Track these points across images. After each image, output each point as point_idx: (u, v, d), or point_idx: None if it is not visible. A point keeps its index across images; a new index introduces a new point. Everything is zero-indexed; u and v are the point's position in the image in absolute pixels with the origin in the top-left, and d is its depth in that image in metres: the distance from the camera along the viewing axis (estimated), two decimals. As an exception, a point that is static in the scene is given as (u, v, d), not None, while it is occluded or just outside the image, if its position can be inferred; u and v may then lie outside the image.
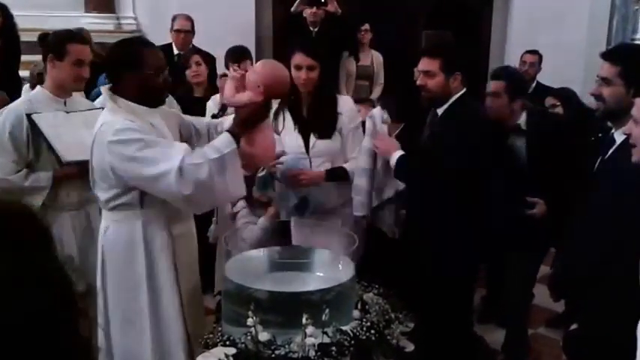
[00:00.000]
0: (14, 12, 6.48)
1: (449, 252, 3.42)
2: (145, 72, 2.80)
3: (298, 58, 3.65)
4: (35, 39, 6.61)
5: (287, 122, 3.76)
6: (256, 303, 2.60)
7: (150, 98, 2.86)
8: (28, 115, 3.29)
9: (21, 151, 3.32)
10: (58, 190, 3.38)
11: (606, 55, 2.76)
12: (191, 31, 5.90)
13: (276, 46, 7.28)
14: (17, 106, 3.41)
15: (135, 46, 2.93)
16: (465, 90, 3.48)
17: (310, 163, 3.71)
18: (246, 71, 3.05)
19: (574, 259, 2.71)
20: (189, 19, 5.90)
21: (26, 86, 5.46)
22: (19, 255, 0.92)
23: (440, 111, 3.49)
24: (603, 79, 2.70)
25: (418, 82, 3.45)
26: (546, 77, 6.25)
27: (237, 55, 4.90)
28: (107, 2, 7.59)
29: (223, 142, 2.72)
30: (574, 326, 2.51)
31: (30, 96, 3.52)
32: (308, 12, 6.46)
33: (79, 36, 3.58)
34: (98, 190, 2.88)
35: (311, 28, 6.51)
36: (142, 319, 2.88)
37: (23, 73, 6.53)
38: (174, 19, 5.90)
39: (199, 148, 2.80)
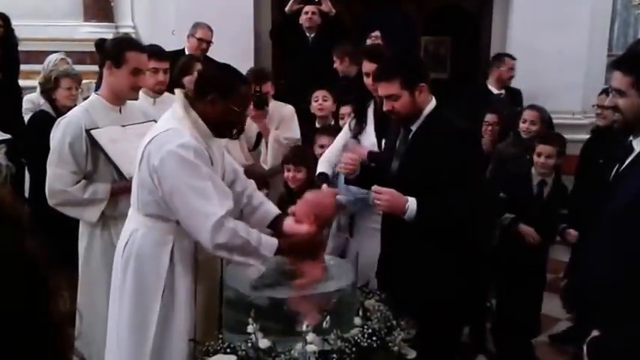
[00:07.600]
0: (13, 21, 6.50)
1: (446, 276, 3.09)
2: (233, 104, 2.73)
3: (366, 66, 3.72)
4: (34, 48, 6.74)
5: (363, 125, 3.87)
6: (256, 310, 2.58)
7: (223, 129, 2.79)
8: (87, 131, 3.24)
9: (80, 163, 3.28)
10: (119, 200, 3.30)
11: (617, 65, 2.56)
12: (211, 42, 5.87)
13: (275, 54, 7.27)
14: (76, 117, 3.32)
15: (236, 77, 2.83)
16: (435, 102, 3.12)
17: None
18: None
19: (590, 269, 2.64)
20: (211, 29, 5.87)
21: (31, 95, 5.42)
22: None
23: (413, 127, 3.12)
24: (617, 91, 2.51)
25: (385, 108, 3.12)
26: (547, 83, 6.23)
27: (259, 76, 4.82)
28: (106, 11, 7.61)
29: (268, 247, 2.67)
30: (595, 333, 2.42)
31: (86, 105, 3.42)
32: (303, 18, 6.40)
33: (137, 44, 3.54)
34: (139, 190, 2.74)
35: (307, 34, 6.47)
36: (148, 330, 2.73)
37: (23, 82, 6.55)
38: (195, 26, 5.85)
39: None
